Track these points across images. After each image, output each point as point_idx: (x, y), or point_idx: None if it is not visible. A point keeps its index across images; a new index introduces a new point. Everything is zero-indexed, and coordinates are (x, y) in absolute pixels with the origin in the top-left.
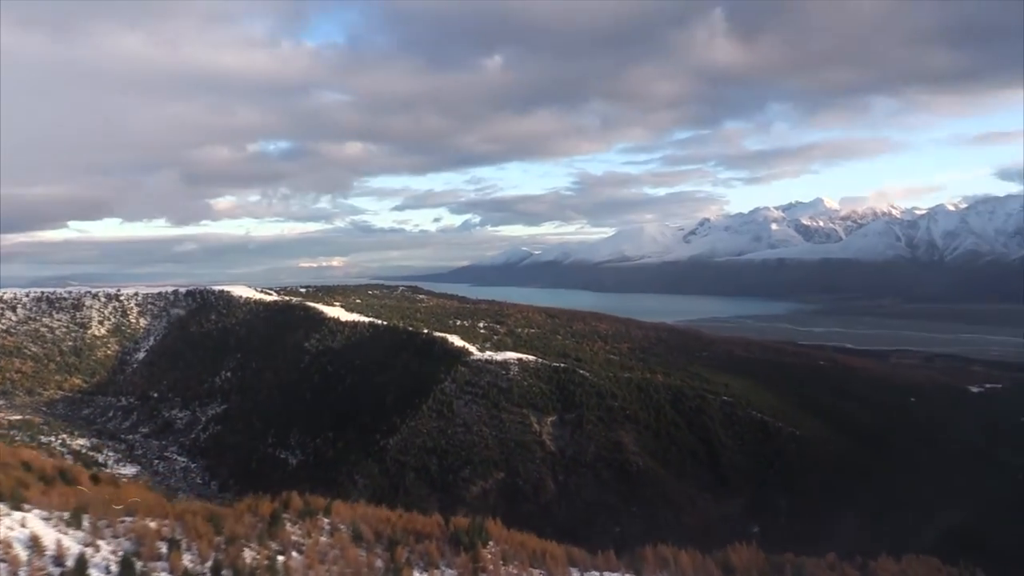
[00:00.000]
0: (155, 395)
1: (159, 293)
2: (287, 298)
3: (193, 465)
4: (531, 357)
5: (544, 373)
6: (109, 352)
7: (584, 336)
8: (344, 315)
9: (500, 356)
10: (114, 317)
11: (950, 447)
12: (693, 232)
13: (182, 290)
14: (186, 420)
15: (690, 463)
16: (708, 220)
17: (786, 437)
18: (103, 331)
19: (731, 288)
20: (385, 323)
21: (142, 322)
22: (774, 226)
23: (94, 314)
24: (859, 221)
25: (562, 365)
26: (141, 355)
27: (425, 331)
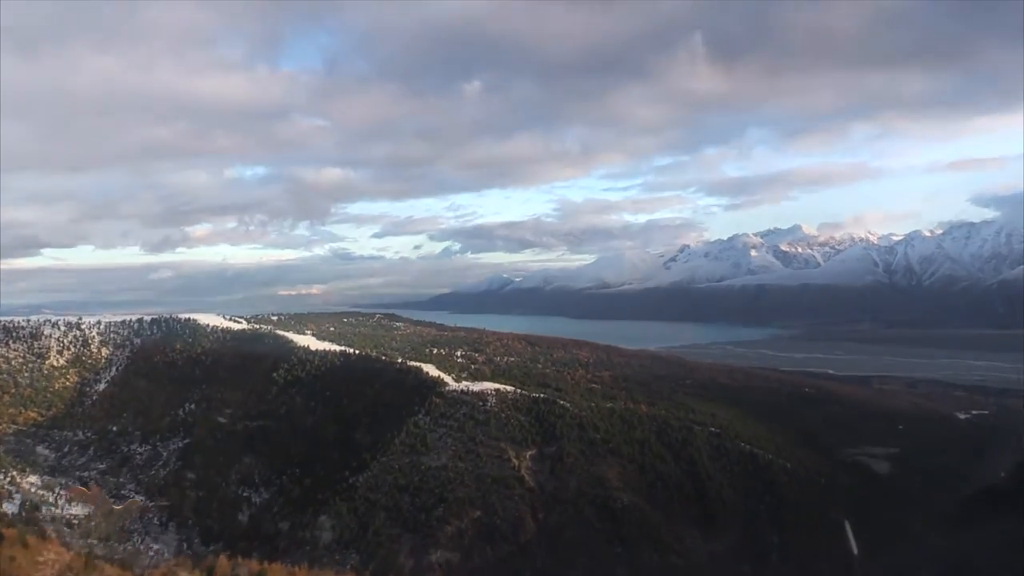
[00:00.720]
0: (114, 428)
1: (123, 321)
2: (256, 326)
3: (151, 504)
4: (509, 387)
5: (523, 404)
6: (68, 383)
7: (565, 364)
8: (315, 343)
9: (477, 387)
10: (74, 347)
11: (945, 477)
12: (673, 259)
13: (147, 318)
14: (146, 455)
15: (677, 498)
16: (688, 247)
17: (776, 469)
18: (62, 361)
19: (712, 314)
20: (357, 352)
21: (104, 352)
22: (753, 252)
23: (53, 343)
24: (837, 247)
25: (542, 395)
26: (102, 386)
27: (399, 360)
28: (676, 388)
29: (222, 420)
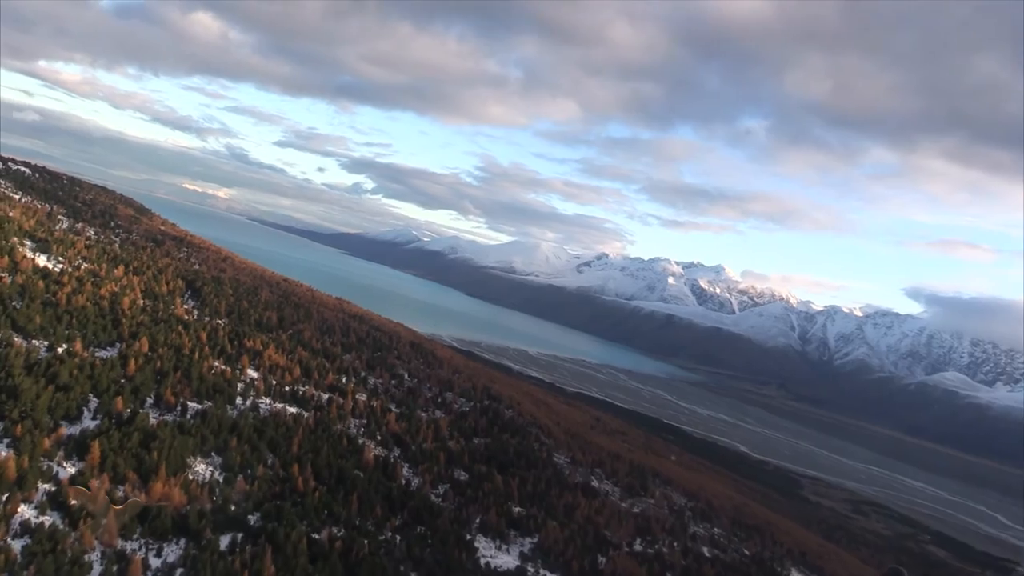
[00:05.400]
0: None
1: None
2: None
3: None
4: None
5: None
6: None
7: None
8: None
9: None
10: None
11: None
12: (588, 263)
13: None
14: None
15: None
16: (607, 256)
17: None
18: None
19: (612, 331)
20: None
21: None
22: (671, 280)
23: None
24: (756, 299)
25: None
26: None
27: None
28: None
29: None
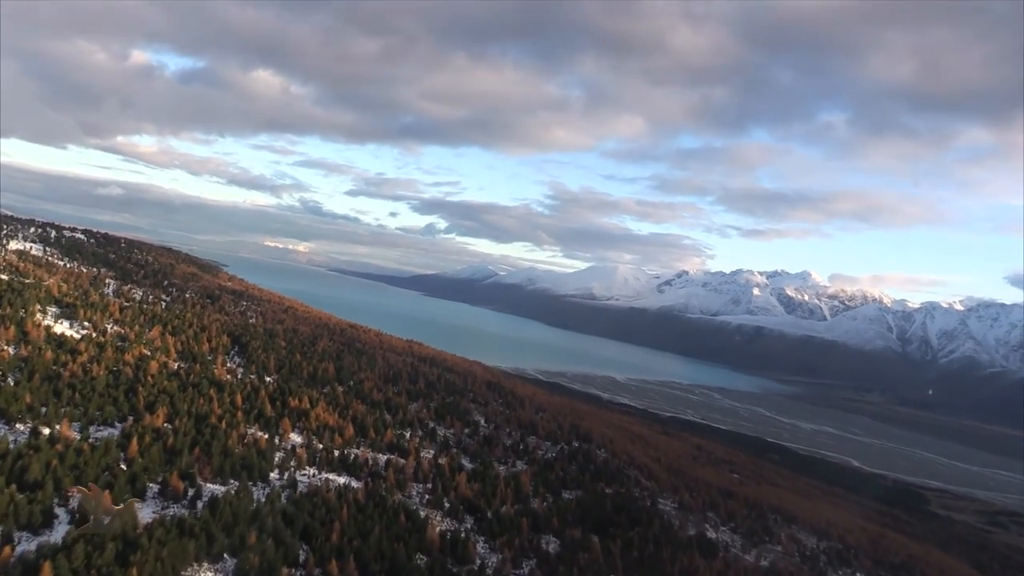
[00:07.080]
0: None
1: None
2: None
3: None
4: None
5: None
6: None
7: None
8: None
9: None
10: None
11: None
12: (669, 282)
13: None
14: None
15: None
16: (687, 273)
17: None
18: None
19: (700, 349)
20: None
21: None
22: (756, 292)
23: None
24: (847, 303)
25: None
26: None
27: None
28: None
29: None
